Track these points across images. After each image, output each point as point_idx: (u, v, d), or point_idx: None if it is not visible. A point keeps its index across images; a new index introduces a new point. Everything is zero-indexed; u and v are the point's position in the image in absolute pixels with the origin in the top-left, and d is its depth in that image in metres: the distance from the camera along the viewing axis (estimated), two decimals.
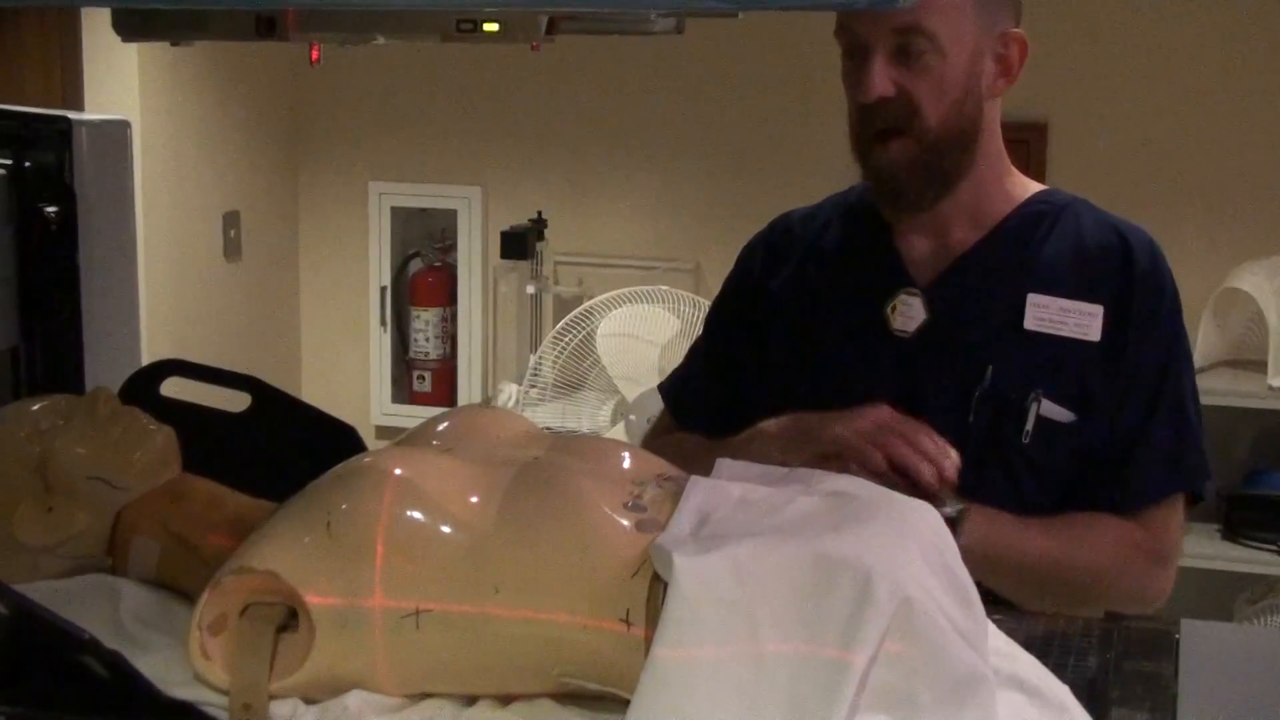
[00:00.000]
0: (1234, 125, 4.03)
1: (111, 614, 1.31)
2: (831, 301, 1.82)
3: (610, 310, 4.09)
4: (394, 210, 4.68)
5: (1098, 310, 1.72)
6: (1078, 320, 1.72)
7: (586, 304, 4.17)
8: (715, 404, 1.92)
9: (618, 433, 3.97)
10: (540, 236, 4.41)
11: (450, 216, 4.65)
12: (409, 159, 4.68)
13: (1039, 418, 1.70)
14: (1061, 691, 1.25)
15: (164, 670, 1.20)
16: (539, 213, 4.43)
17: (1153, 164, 4.03)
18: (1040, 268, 1.75)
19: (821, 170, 4.35)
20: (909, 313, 1.75)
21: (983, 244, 1.77)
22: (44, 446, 1.39)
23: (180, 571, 1.36)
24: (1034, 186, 1.82)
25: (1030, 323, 1.72)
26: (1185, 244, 3.90)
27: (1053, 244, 1.76)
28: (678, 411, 1.99)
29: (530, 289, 4.41)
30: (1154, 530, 1.76)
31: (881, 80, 1.67)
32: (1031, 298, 1.73)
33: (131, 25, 1.36)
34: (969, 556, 1.28)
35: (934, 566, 1.19)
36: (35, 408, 1.44)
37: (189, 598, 1.30)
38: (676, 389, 2.02)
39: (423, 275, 4.69)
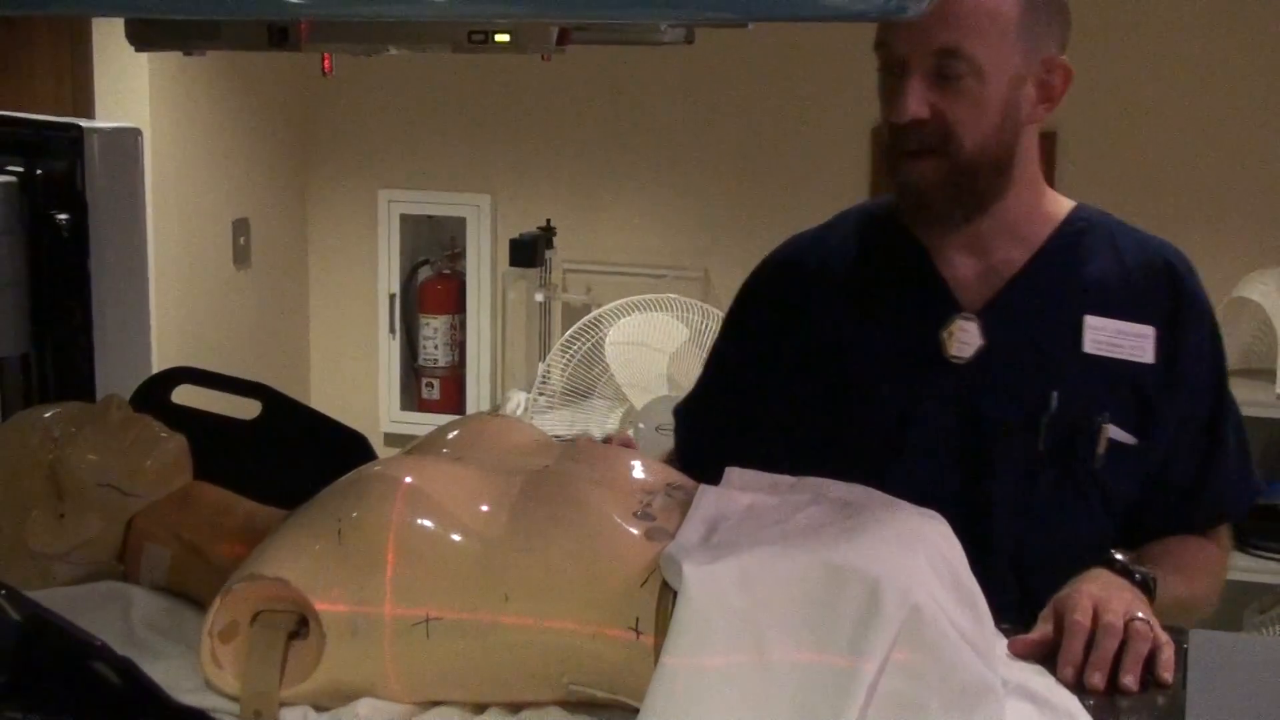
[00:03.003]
0: (1243, 134, 4.02)
1: (123, 621, 1.32)
2: (877, 329, 1.76)
3: (619, 318, 4.09)
4: (403, 218, 4.69)
5: (1150, 332, 1.70)
6: (1133, 342, 1.69)
7: (595, 312, 4.18)
8: (723, 443, 1.87)
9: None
10: (549, 244, 4.41)
11: (459, 224, 4.66)
12: (418, 167, 4.68)
13: (1108, 441, 1.68)
14: (1070, 702, 1.25)
15: (175, 677, 1.20)
16: (548, 220, 4.44)
17: (1161, 173, 4.03)
18: (1091, 289, 1.72)
19: (828, 179, 4.37)
20: (965, 338, 1.70)
21: (1031, 265, 1.74)
22: (56, 454, 1.40)
23: (191, 578, 1.36)
24: (1068, 204, 1.79)
25: (1089, 345, 1.69)
26: (1193, 253, 3.84)
27: (1097, 264, 1.73)
28: (684, 442, 1.95)
29: (539, 297, 4.42)
30: (1223, 544, 1.79)
31: (917, 102, 1.64)
32: (1089, 320, 1.70)
33: (144, 35, 1.36)
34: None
35: (942, 576, 1.19)
36: (47, 415, 1.45)
37: (200, 605, 1.31)
38: (686, 421, 1.97)
39: (431, 283, 4.69)
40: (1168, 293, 1.73)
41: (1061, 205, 1.78)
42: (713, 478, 1.59)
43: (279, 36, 1.28)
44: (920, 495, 1.35)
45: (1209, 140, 4.04)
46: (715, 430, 1.90)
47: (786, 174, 4.38)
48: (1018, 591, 1.42)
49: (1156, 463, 1.71)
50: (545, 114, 4.56)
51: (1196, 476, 1.74)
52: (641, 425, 3.89)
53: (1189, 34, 4.01)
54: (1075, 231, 1.76)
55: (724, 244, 4.37)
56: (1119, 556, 1.52)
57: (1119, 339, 1.69)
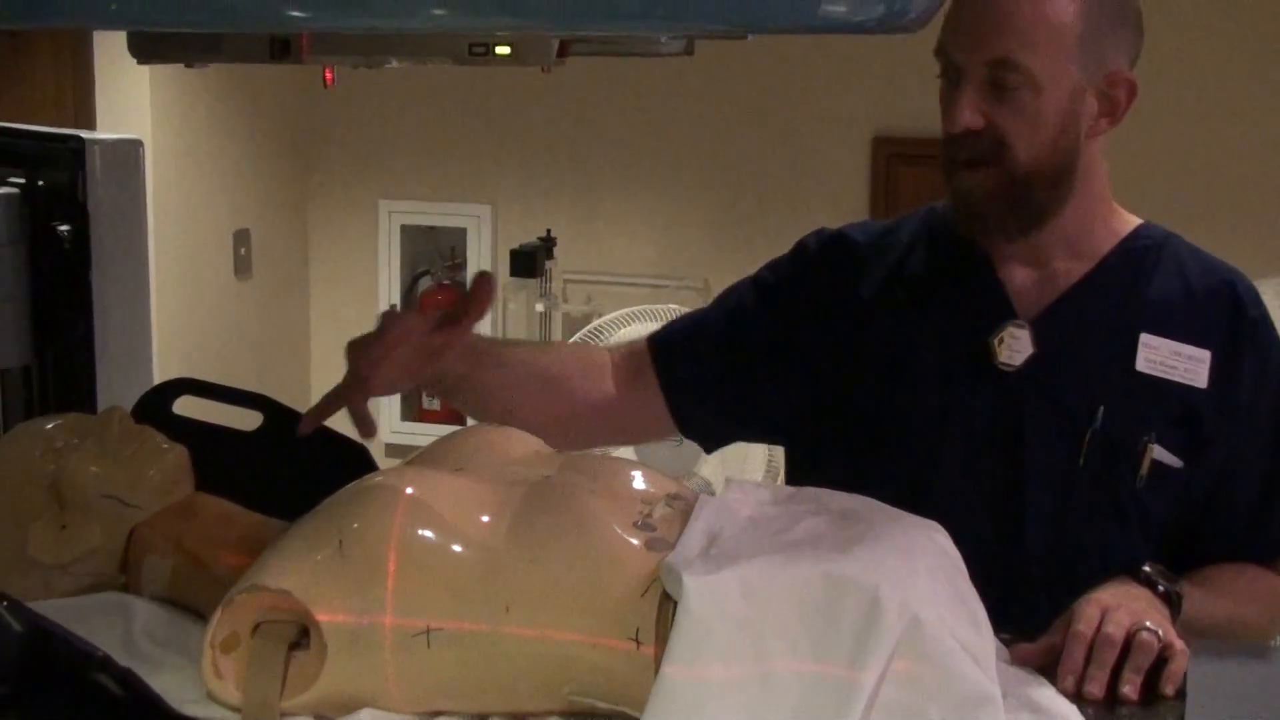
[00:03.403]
0: (1245, 143, 4.03)
1: (124, 632, 1.32)
2: (927, 328, 1.73)
3: (619, 328, 4.10)
4: (403, 228, 4.70)
5: (1205, 356, 1.66)
6: (1187, 365, 1.65)
7: (596, 322, 4.18)
8: (715, 386, 1.82)
9: (626, 452, 3.98)
10: (549, 255, 4.42)
11: (459, 235, 4.67)
12: (419, 177, 4.69)
13: (1152, 462, 1.65)
14: (1070, 711, 1.25)
15: (176, 688, 1.20)
16: (548, 231, 4.44)
17: (1161, 183, 4.03)
18: (1150, 307, 1.68)
19: (828, 190, 4.38)
20: (1016, 345, 1.67)
21: (1090, 277, 1.71)
22: (58, 465, 1.40)
23: (192, 589, 1.36)
24: (1134, 220, 1.75)
25: (1142, 364, 1.65)
26: None
27: (1159, 283, 1.70)
28: (667, 375, 1.83)
29: (539, 307, 4.42)
30: None
31: (970, 112, 1.61)
32: (1144, 338, 1.66)
33: (147, 47, 1.37)
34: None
35: (942, 586, 1.19)
36: (49, 426, 1.45)
37: (201, 615, 1.31)
38: (670, 351, 1.85)
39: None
40: (1229, 318, 1.69)
41: (1127, 221, 1.75)
42: (705, 413, 1.60)
43: (280, 49, 1.28)
44: (954, 501, 1.34)
45: (1210, 150, 4.04)
46: (716, 360, 1.83)
47: (786, 184, 4.39)
48: (1049, 609, 1.41)
49: (1203, 489, 1.68)
50: (545, 124, 4.57)
51: (1257, 507, 1.70)
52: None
53: (1191, 37, 4.01)
54: (1138, 248, 1.72)
55: (723, 254, 4.38)
56: (1147, 568, 1.50)
57: (1173, 360, 1.66)
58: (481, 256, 4.62)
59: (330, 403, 1.59)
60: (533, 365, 1.80)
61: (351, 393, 1.58)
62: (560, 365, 1.84)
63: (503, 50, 1.26)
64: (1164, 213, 1.82)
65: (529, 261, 4.35)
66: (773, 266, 1.87)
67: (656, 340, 1.87)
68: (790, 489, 1.35)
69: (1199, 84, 4.06)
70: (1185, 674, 1.34)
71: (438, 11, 0.92)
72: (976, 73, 1.61)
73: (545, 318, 4.44)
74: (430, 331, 1.63)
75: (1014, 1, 1.60)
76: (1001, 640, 1.33)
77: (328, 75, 1.36)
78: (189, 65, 1.44)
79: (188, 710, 1.18)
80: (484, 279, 1.64)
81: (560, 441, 1.47)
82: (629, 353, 1.86)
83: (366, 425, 1.57)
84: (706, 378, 1.83)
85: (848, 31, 1.05)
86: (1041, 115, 1.62)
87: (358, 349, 1.60)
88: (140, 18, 0.98)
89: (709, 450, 1.96)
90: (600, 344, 2.00)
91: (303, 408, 1.64)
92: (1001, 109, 1.61)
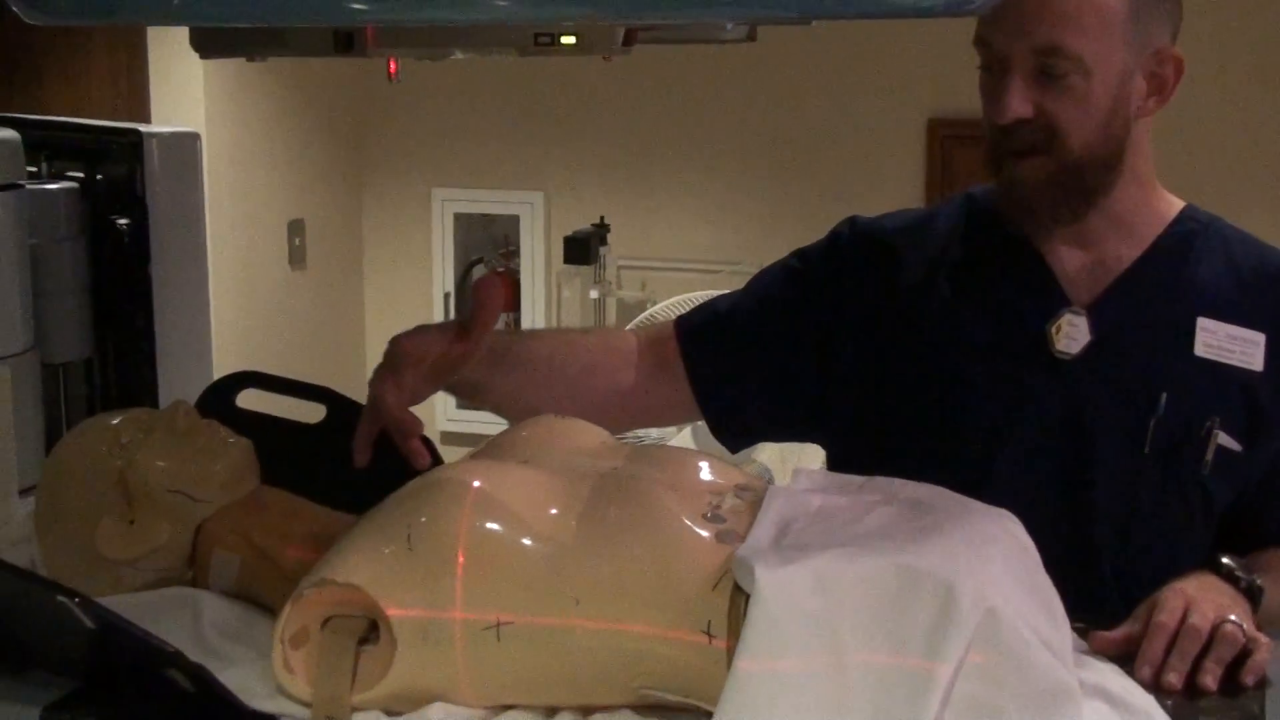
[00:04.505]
0: (1266, 132, 3.98)
1: (193, 627, 1.32)
2: (977, 319, 1.70)
3: (674, 314, 4.08)
4: (457, 216, 4.70)
5: (1260, 339, 1.64)
6: (1243, 348, 1.64)
7: (650, 309, 4.17)
8: (747, 380, 1.80)
9: (685, 439, 3.96)
10: (603, 241, 4.41)
11: (513, 222, 4.67)
12: (472, 165, 4.70)
13: (1216, 447, 1.62)
14: (1147, 702, 1.23)
15: (247, 683, 1.20)
16: (601, 217, 4.43)
17: (1179, 172, 3.96)
18: (1204, 290, 1.67)
19: (883, 173, 4.35)
20: (1074, 334, 1.64)
21: (1142, 262, 1.68)
22: (125, 460, 1.40)
23: (261, 584, 1.37)
24: (1178, 203, 1.73)
25: (1200, 348, 1.64)
26: None
27: (1208, 265, 1.68)
28: (696, 368, 1.82)
29: (593, 294, 4.41)
30: None
31: (1019, 101, 1.59)
32: (1201, 322, 1.65)
33: (209, 42, 1.37)
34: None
35: (1017, 577, 1.18)
36: (115, 421, 1.46)
37: (270, 610, 1.31)
38: (700, 343, 1.83)
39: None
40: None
41: (1172, 204, 1.73)
42: (736, 408, 1.64)
43: (345, 42, 1.27)
44: (1017, 494, 1.32)
45: (1227, 138, 4.00)
46: (747, 353, 1.81)
47: (841, 168, 4.36)
48: (1117, 599, 1.39)
49: (1261, 472, 1.66)
50: (598, 111, 4.57)
51: None
52: (700, 423, 3.88)
53: (1207, 27, 3.96)
54: (1187, 232, 1.70)
55: (778, 238, 4.33)
56: (1225, 560, 1.47)
57: (1230, 344, 1.64)
58: (535, 244, 4.62)
59: (366, 433, 1.56)
60: (553, 361, 1.78)
61: (378, 424, 1.56)
62: (587, 357, 1.81)
63: (568, 40, 1.25)
64: (1207, 198, 1.79)
65: (582, 248, 4.34)
66: (804, 255, 1.85)
67: (684, 331, 1.84)
68: (860, 478, 1.34)
69: (1230, 67, 4.01)
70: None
71: (504, 3, 0.91)
72: (1024, 61, 1.59)
73: (599, 304, 4.43)
74: (445, 347, 1.61)
75: None
76: (1076, 629, 1.32)
77: (391, 67, 1.35)
78: (250, 59, 1.44)
79: (258, 705, 1.18)
80: (484, 284, 1.62)
81: None
82: (655, 339, 1.84)
83: (419, 458, 1.53)
84: (738, 372, 1.81)
85: (913, 16, 1.03)
86: (1092, 101, 1.59)
87: (376, 382, 1.57)
88: (205, 14, 0.97)
89: (734, 450, 1.91)
90: (625, 328, 1.96)
91: (360, 397, 1.64)
92: (1051, 96, 1.59)
